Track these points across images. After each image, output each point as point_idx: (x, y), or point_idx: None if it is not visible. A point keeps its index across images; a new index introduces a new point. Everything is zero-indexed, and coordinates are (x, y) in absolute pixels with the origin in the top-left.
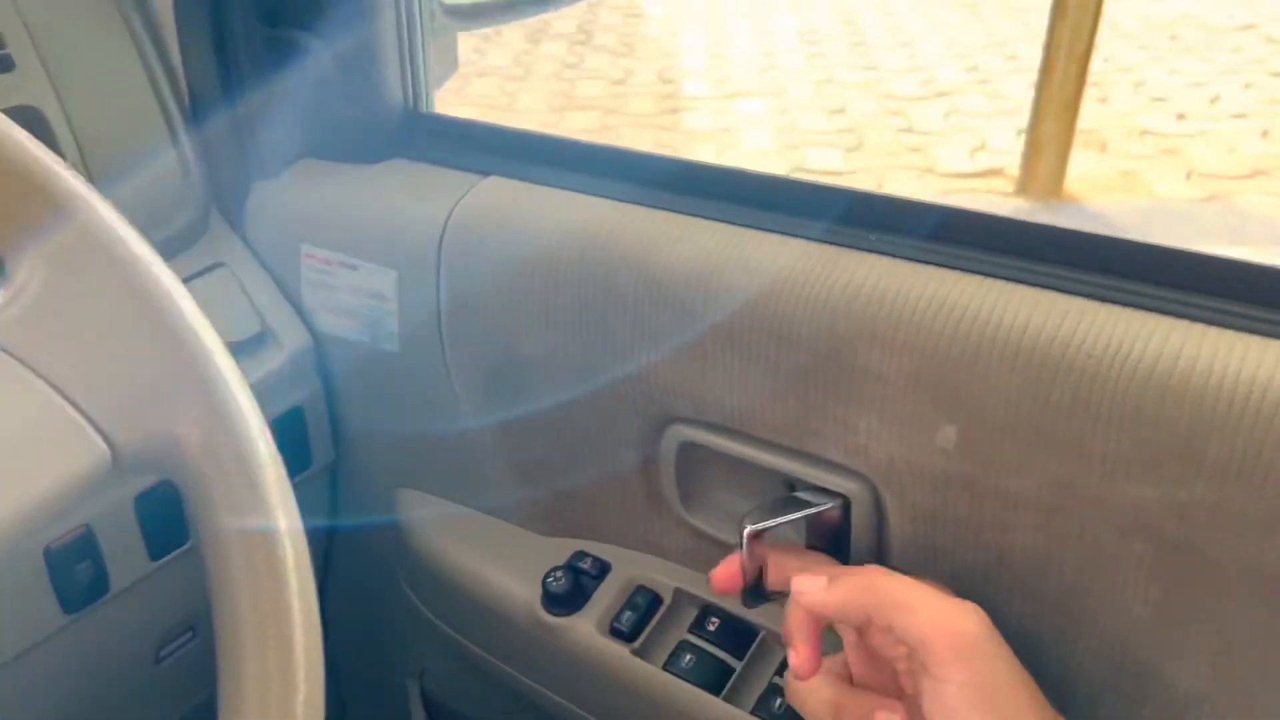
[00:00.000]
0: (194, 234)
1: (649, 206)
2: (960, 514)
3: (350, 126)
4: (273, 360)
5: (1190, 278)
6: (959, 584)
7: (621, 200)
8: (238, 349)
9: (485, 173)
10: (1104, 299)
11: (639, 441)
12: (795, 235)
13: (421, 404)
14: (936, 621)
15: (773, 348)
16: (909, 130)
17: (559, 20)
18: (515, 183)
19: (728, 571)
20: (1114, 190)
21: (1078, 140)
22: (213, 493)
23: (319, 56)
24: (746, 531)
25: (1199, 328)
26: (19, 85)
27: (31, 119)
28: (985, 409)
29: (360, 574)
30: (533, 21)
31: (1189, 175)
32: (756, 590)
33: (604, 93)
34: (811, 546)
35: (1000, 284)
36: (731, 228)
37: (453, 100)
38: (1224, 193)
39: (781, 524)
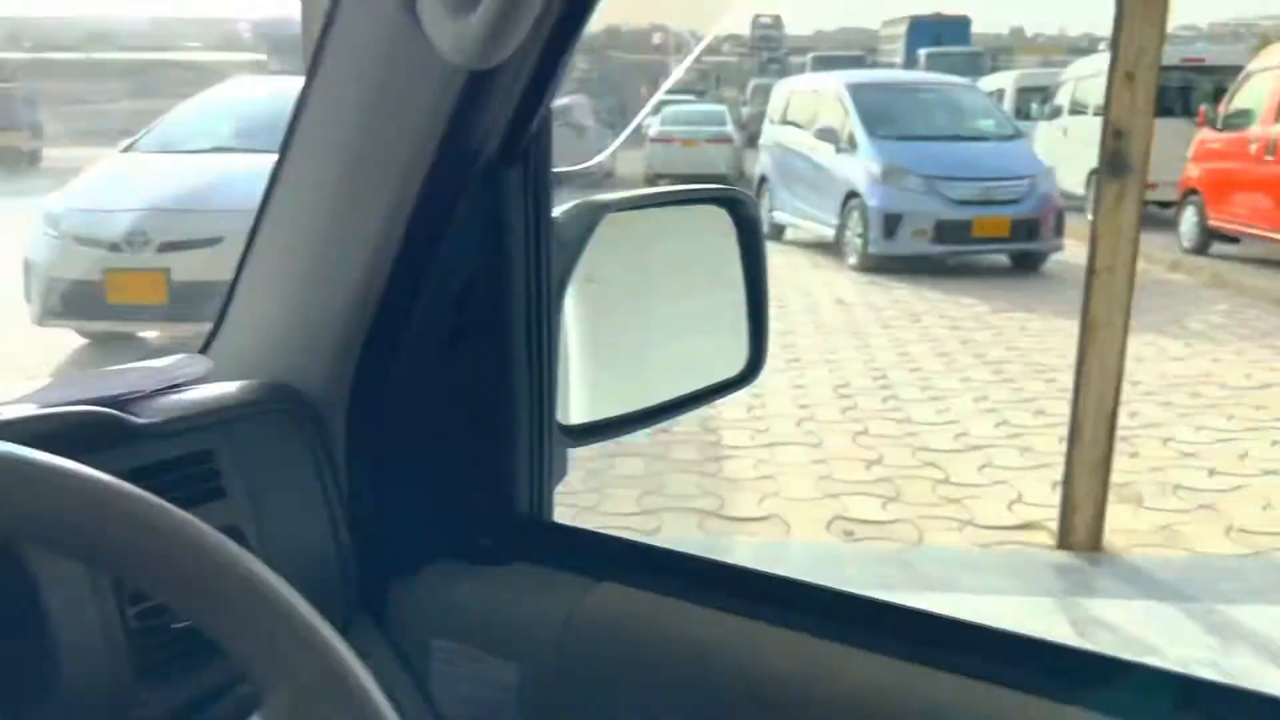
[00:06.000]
0: (343, 629)
1: (746, 617)
2: None
3: (481, 531)
4: None
5: None
6: None
7: (722, 610)
8: None
9: (598, 578)
10: None
11: None
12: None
13: None
14: None
15: None
16: (945, 482)
17: None
18: (627, 589)
19: None
20: (1154, 545)
21: (1112, 494)
22: None
23: (459, 465)
24: None
25: None
26: (228, 509)
27: (235, 538)
28: None
29: None
30: None
31: (1228, 531)
32: None
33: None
34: None
35: None
36: (823, 642)
37: None
38: (1266, 548)
39: None
